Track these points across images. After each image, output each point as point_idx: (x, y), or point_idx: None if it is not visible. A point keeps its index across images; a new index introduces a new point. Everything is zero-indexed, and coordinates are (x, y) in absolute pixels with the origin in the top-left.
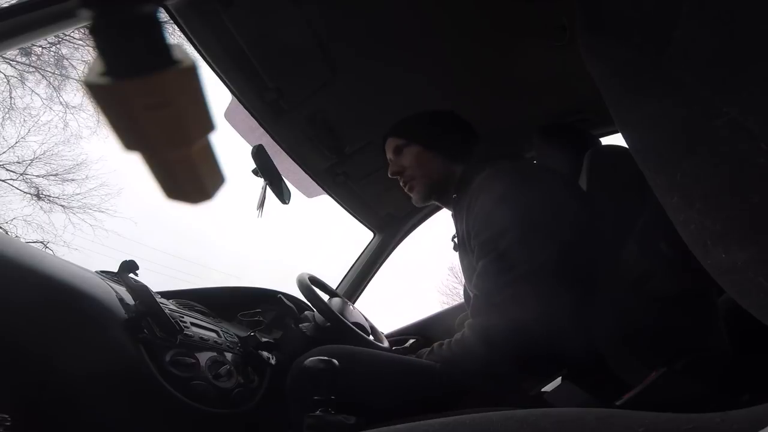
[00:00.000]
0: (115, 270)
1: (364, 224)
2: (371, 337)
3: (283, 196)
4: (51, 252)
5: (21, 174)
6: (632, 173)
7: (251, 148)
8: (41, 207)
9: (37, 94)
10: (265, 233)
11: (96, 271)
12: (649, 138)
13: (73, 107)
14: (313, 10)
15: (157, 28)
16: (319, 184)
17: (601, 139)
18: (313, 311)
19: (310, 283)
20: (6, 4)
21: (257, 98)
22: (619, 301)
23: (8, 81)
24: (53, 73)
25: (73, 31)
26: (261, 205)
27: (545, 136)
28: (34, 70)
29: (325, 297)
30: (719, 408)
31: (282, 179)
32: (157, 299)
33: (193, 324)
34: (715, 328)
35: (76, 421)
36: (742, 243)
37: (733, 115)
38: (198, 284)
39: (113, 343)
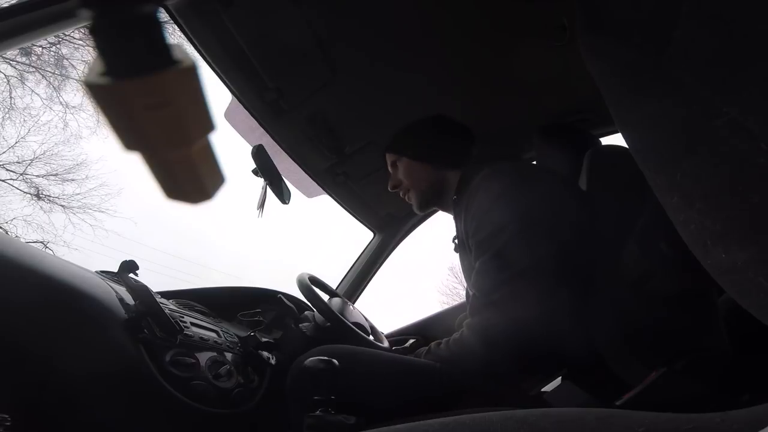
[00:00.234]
0: (115, 270)
1: (364, 224)
2: (371, 337)
3: (283, 196)
4: (51, 252)
5: (21, 174)
6: (632, 173)
7: (251, 148)
8: (41, 207)
9: (37, 94)
10: (265, 233)
11: (96, 271)
12: (649, 138)
13: (73, 107)
14: (313, 10)
15: (157, 28)
16: (319, 184)
17: (601, 139)
18: (313, 311)
19: (310, 283)
20: (6, 4)
21: (257, 98)
22: (619, 301)
23: (8, 81)
24: (53, 73)
25: (73, 31)
26: (261, 205)
27: (545, 136)
28: (34, 70)
29: (325, 297)
30: (719, 408)
31: (282, 179)
32: (157, 299)
33: (193, 324)
34: (715, 328)
35: (76, 421)
36: (742, 243)
37: (733, 115)
38: (198, 284)
39: (113, 343)
